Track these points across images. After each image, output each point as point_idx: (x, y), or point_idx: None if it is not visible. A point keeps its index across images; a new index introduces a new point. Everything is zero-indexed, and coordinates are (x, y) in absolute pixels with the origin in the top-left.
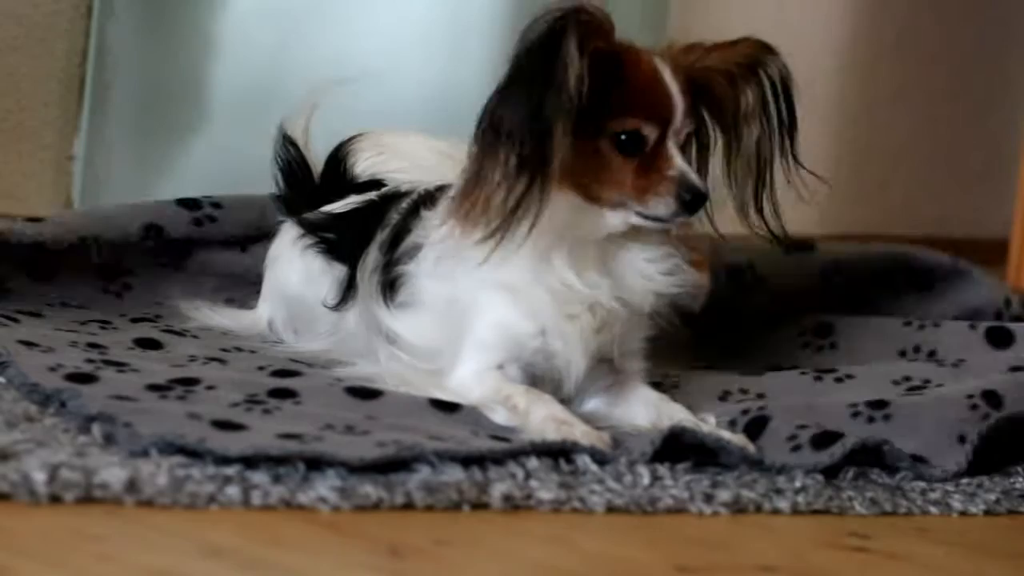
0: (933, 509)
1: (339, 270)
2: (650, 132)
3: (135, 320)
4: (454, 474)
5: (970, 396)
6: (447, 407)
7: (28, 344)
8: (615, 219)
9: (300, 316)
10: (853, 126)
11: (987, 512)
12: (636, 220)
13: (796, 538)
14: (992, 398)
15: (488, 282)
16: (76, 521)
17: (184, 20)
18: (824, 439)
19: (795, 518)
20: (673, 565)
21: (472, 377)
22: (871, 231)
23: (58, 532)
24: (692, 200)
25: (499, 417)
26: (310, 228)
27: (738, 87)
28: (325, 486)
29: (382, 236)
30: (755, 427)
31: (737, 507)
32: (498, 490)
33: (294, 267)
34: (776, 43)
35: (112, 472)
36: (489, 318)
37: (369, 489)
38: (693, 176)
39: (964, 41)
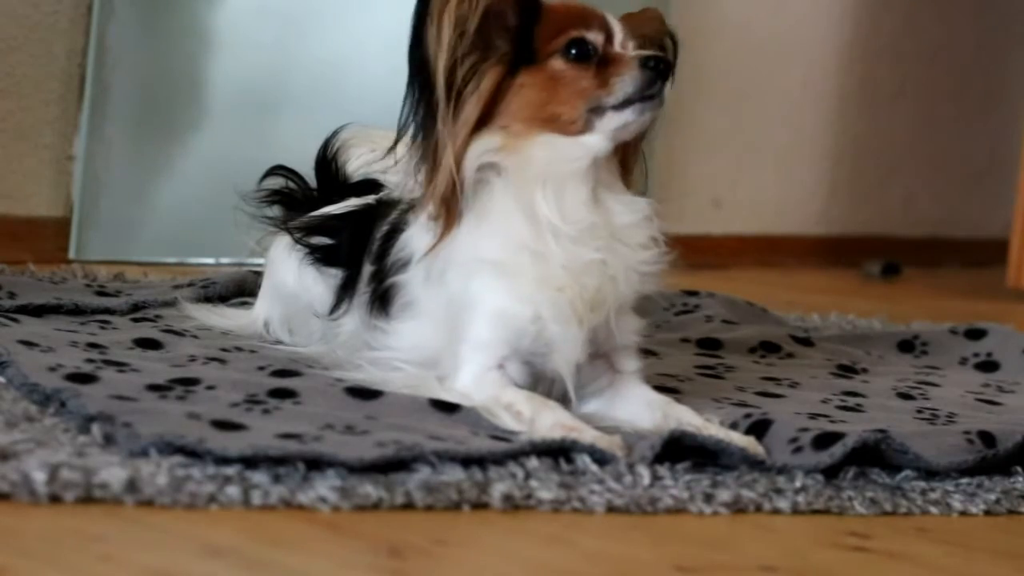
0: (933, 509)
1: (334, 276)
2: (595, 37)
3: (135, 320)
4: (454, 474)
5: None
6: (447, 407)
7: (28, 344)
8: (592, 140)
9: (295, 316)
10: (853, 126)
11: (987, 512)
12: (614, 123)
13: (796, 538)
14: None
15: (476, 265)
16: (76, 521)
17: (184, 20)
18: (825, 440)
19: (795, 518)
20: (673, 565)
21: (472, 383)
22: (871, 231)
23: (58, 532)
24: (657, 65)
25: (504, 423)
26: (301, 235)
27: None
28: (325, 486)
29: (373, 246)
30: (758, 430)
31: (737, 507)
32: (498, 490)
33: (290, 267)
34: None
35: (112, 472)
36: (485, 308)
37: (369, 489)
38: (651, 51)
39: (964, 40)
